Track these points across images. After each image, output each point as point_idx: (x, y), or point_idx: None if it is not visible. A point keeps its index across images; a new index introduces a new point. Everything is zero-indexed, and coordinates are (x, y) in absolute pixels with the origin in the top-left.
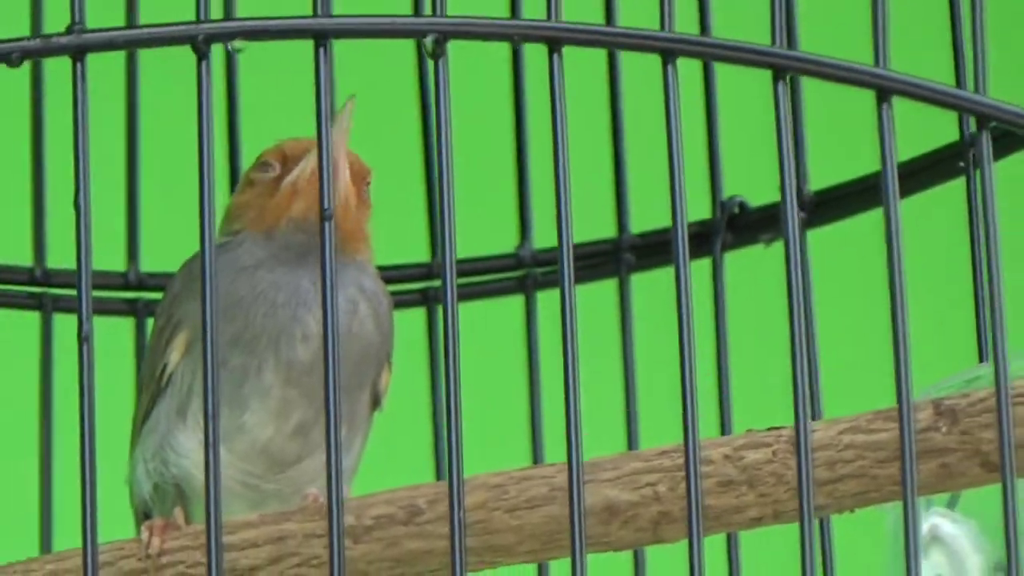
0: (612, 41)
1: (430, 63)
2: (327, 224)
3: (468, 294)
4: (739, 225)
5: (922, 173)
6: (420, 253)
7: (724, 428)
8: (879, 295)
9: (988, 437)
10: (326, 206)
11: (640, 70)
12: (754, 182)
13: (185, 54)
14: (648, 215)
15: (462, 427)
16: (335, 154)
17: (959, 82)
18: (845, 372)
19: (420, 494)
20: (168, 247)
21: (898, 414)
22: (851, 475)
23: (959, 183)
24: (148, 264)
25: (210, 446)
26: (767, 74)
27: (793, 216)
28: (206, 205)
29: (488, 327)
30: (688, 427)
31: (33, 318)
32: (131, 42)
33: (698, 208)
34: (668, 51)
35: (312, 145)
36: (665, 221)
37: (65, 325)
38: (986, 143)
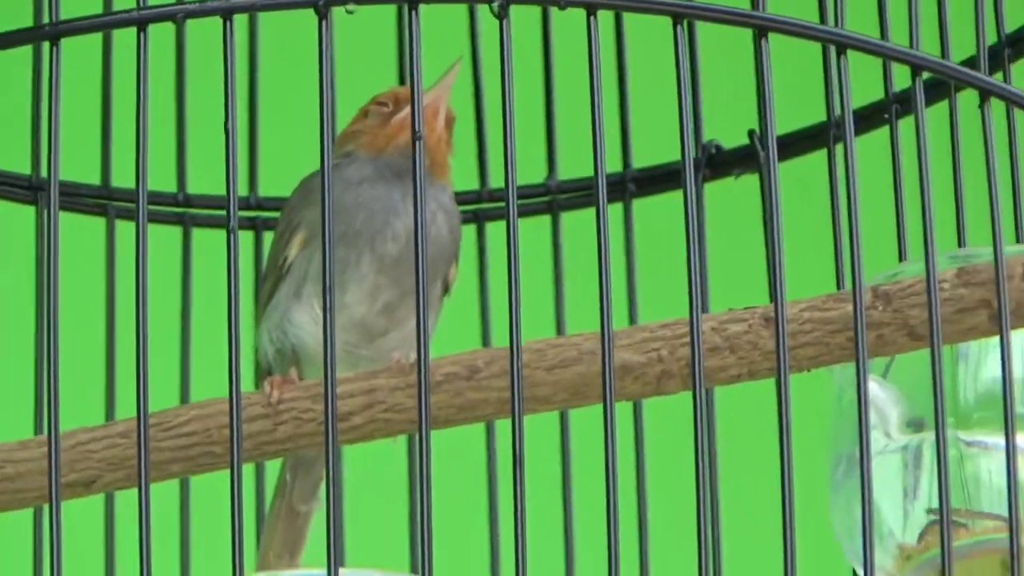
0: (636, 6)
1: (481, 25)
2: (418, 143)
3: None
4: (716, 163)
5: (858, 123)
6: (471, 183)
7: (706, 309)
8: (819, 217)
9: (914, 314)
10: (417, 128)
11: (636, 32)
12: (725, 128)
13: (305, 15)
14: (647, 153)
15: (521, 311)
16: (439, 101)
17: (883, 36)
18: (801, 266)
19: (478, 357)
20: (280, 175)
21: (851, 296)
22: (809, 343)
23: (884, 130)
24: (265, 190)
25: (327, 310)
26: (729, 35)
27: (773, 154)
28: (326, 133)
29: (524, 241)
30: (693, 305)
31: (176, 232)
32: (269, 6)
33: None
34: (678, 15)
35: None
36: (660, 158)
37: (200, 237)
38: (919, 88)
